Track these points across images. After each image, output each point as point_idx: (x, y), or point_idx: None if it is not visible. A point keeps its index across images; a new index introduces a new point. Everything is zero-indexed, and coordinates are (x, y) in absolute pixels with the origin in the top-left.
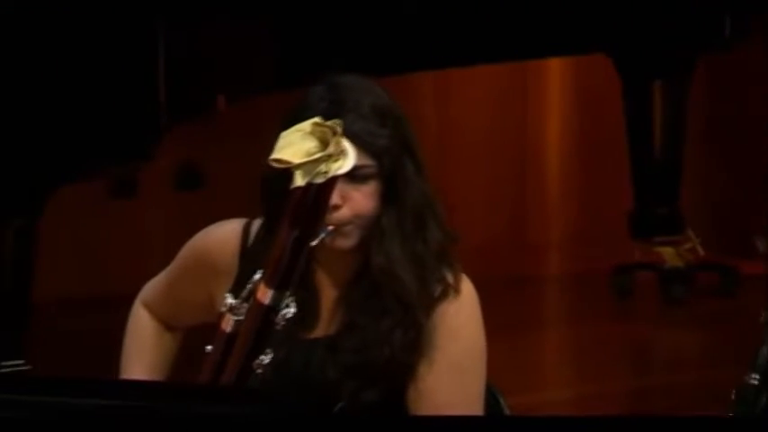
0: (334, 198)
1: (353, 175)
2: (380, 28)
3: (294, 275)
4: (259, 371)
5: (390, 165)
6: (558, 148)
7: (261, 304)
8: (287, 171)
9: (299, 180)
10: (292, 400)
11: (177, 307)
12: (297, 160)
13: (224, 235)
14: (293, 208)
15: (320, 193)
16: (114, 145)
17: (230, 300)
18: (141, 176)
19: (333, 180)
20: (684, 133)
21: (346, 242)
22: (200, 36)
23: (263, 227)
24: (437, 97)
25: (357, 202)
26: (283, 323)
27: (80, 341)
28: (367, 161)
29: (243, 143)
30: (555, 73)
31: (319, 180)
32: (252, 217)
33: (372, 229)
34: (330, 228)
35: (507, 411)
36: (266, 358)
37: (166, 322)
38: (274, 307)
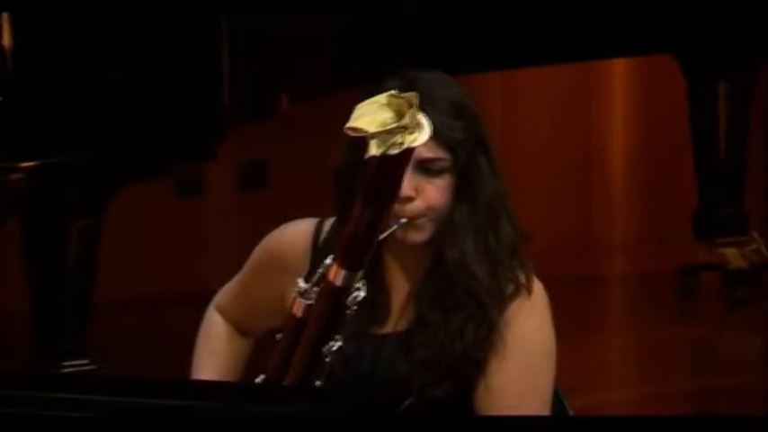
0: (408, 190)
1: (427, 168)
2: (446, 28)
3: (366, 255)
4: (328, 358)
5: (464, 159)
6: (623, 149)
7: (332, 285)
8: (358, 162)
9: (374, 149)
10: (362, 397)
11: (249, 309)
12: (372, 129)
13: (296, 234)
14: (367, 179)
15: (394, 164)
16: (178, 144)
17: (302, 284)
18: (206, 176)
19: (407, 153)
20: (748, 134)
21: (418, 236)
22: (264, 35)
23: (334, 226)
24: (504, 97)
25: (430, 195)
26: (354, 307)
27: (144, 340)
28: (441, 154)
29: (308, 142)
30: (619, 73)
31: (394, 151)
32: (317, 216)
33: (444, 223)
34: (403, 220)
35: (571, 412)
36: (335, 344)
37: (239, 327)
38: (346, 288)
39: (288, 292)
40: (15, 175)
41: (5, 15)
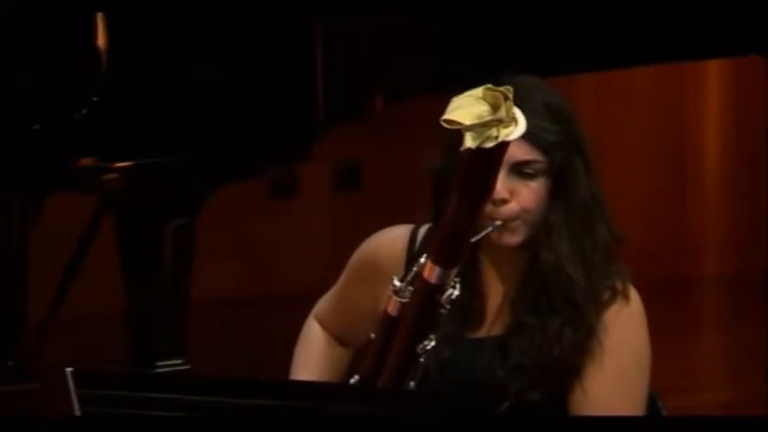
0: (503, 193)
1: (522, 171)
2: (540, 29)
3: (461, 252)
4: (422, 358)
5: (560, 161)
6: (716, 150)
7: (427, 283)
8: (456, 165)
9: (469, 142)
10: (458, 401)
11: (347, 318)
12: (468, 122)
13: (391, 241)
14: (462, 173)
15: (489, 158)
16: (272, 145)
17: (396, 282)
18: (302, 176)
19: (503, 146)
20: None
21: (513, 238)
22: (359, 36)
23: (430, 232)
24: (596, 98)
25: (525, 198)
26: (448, 306)
27: (238, 340)
28: (536, 156)
29: (403, 143)
30: (713, 74)
31: (489, 144)
32: (410, 216)
33: (539, 226)
34: (497, 223)
35: (664, 413)
36: (430, 344)
37: (338, 336)
38: (440, 286)
39: (384, 300)
40: (110, 176)
41: (100, 15)
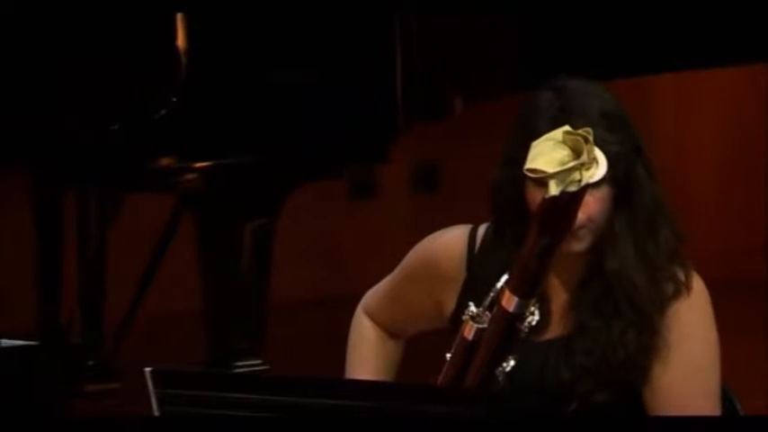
0: None
1: None
2: (617, 29)
3: (540, 284)
4: (500, 378)
5: (622, 169)
6: None
7: (506, 312)
8: (516, 177)
9: (554, 189)
10: (527, 401)
11: (400, 314)
12: (551, 170)
13: (450, 240)
14: (545, 216)
15: (572, 201)
16: (351, 146)
17: (473, 308)
18: (380, 177)
19: (585, 188)
20: None
21: (579, 245)
22: (438, 36)
23: (489, 232)
24: (677, 100)
25: (590, 207)
26: (527, 331)
27: (317, 341)
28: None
29: (481, 144)
30: None
31: (572, 188)
32: (489, 218)
33: (605, 233)
34: None
35: (742, 413)
36: (508, 366)
37: (389, 330)
38: (519, 315)
39: (442, 299)
40: (190, 176)
41: (179, 16)
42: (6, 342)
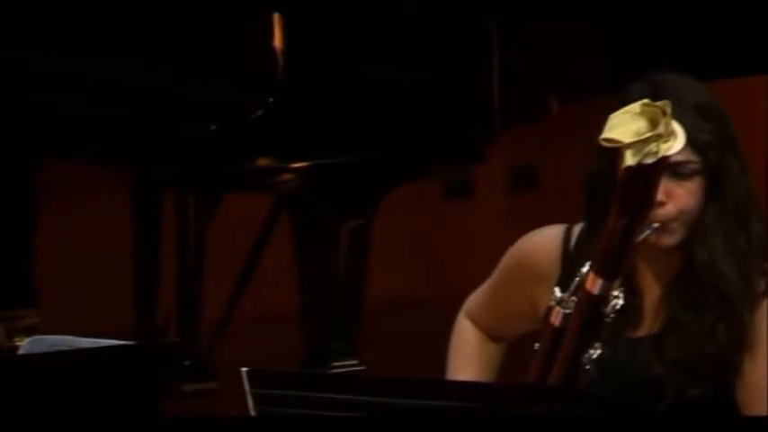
0: (659, 195)
1: (678, 172)
2: (711, 29)
3: (624, 263)
4: (587, 366)
5: (714, 161)
6: None
7: (590, 294)
8: (610, 168)
9: (630, 160)
10: (619, 399)
11: (499, 316)
12: (627, 139)
13: (545, 240)
14: (623, 189)
15: (650, 173)
16: (447, 146)
17: (558, 293)
18: (476, 177)
19: (662, 161)
20: None
21: (670, 239)
22: (533, 37)
23: (584, 231)
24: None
25: (682, 199)
26: (612, 315)
27: (414, 341)
28: (691, 157)
29: (578, 145)
30: None
31: (649, 160)
32: (581, 220)
33: (695, 225)
34: (655, 225)
35: None
36: (595, 352)
37: (490, 333)
38: (604, 297)
39: (539, 299)
40: (287, 176)
41: (276, 16)
42: (103, 341)
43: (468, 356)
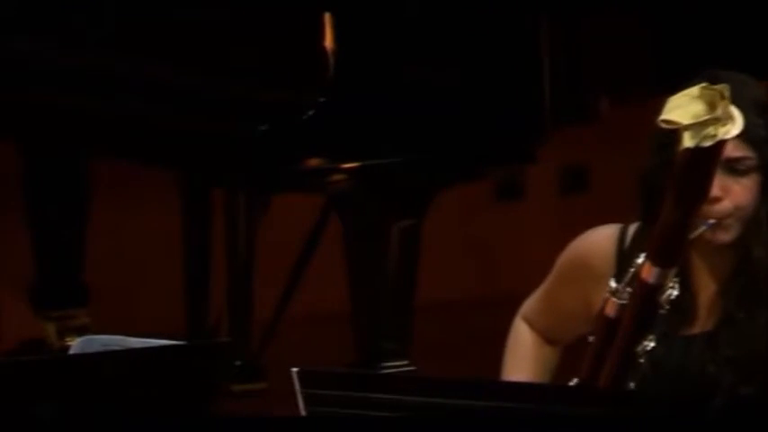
0: (716, 191)
1: (734, 168)
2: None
3: (679, 251)
4: (642, 359)
5: None
6: None
7: (645, 283)
8: (667, 163)
9: (688, 141)
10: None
11: (555, 317)
12: (685, 121)
13: (600, 239)
14: (680, 172)
15: (707, 157)
16: (499, 147)
17: (613, 283)
18: (528, 178)
19: (720, 145)
20: None
21: (726, 236)
22: (584, 37)
23: (639, 231)
24: None
25: (738, 195)
26: (667, 307)
27: (464, 341)
28: (748, 153)
29: (629, 146)
30: None
31: (707, 143)
32: (633, 221)
33: (750, 222)
34: (711, 221)
35: None
36: (649, 344)
37: (546, 335)
38: (659, 286)
39: (593, 298)
40: (338, 176)
41: (327, 16)
42: (154, 341)
43: (523, 358)
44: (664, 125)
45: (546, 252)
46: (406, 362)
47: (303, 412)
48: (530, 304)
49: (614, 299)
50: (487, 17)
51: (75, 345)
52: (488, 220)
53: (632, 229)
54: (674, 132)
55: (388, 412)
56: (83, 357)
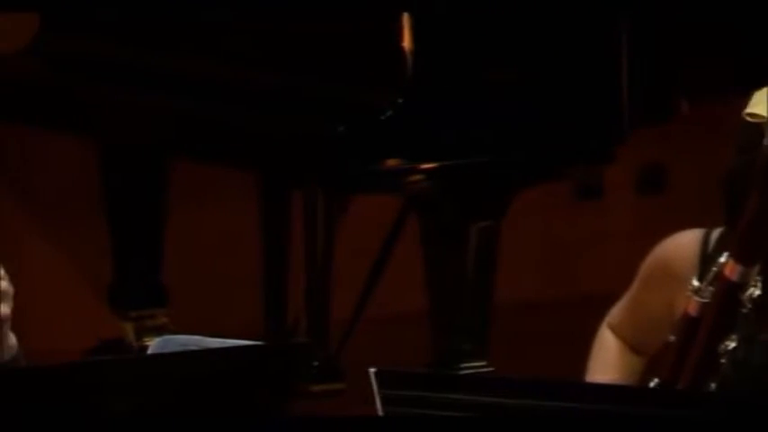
0: None
1: None
2: None
3: (763, 248)
4: (723, 359)
5: None
6: None
7: (728, 281)
8: (751, 167)
9: None
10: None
11: (639, 323)
12: None
13: (684, 243)
14: (765, 167)
15: None
16: (577, 147)
17: (695, 282)
18: (607, 178)
19: None
20: None
21: None
22: (664, 37)
23: (723, 235)
24: None
25: None
26: (749, 305)
27: (543, 342)
28: None
29: (709, 147)
30: None
31: None
32: (718, 220)
33: None
34: None
35: None
36: (731, 344)
37: (630, 343)
38: (742, 284)
39: (677, 304)
40: (416, 177)
41: (405, 16)
42: (232, 341)
43: (608, 364)
44: (749, 119)
45: (624, 252)
46: (483, 362)
47: (381, 413)
48: (615, 312)
49: (696, 297)
50: (567, 17)
51: (154, 345)
52: (567, 220)
53: (716, 233)
54: (759, 129)
55: (466, 413)
56: (161, 357)
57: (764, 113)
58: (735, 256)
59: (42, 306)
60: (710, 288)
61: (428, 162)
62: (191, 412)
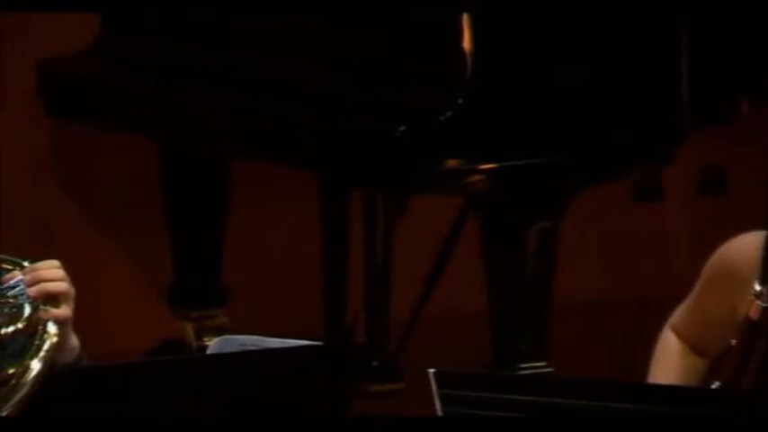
0: None
1: None
2: None
3: None
4: None
5: None
6: None
7: None
8: None
9: None
10: None
11: (701, 325)
12: None
13: (745, 246)
14: None
15: None
16: (636, 148)
17: (757, 286)
18: (667, 179)
19: None
20: None
21: None
22: (723, 37)
23: None
24: None
25: None
26: None
27: (603, 343)
28: None
29: None
30: None
31: None
32: None
33: None
34: None
35: None
36: None
37: (694, 346)
38: None
39: (740, 307)
40: (476, 177)
41: (465, 17)
42: (292, 341)
43: (669, 364)
44: None
45: (684, 254)
46: (543, 363)
47: (440, 413)
48: (677, 315)
49: (758, 302)
50: (627, 16)
51: (213, 344)
52: (626, 222)
53: None
54: None
55: (525, 413)
56: (221, 357)
57: None
58: None
59: (103, 307)
60: None
61: (488, 163)
62: (250, 412)
